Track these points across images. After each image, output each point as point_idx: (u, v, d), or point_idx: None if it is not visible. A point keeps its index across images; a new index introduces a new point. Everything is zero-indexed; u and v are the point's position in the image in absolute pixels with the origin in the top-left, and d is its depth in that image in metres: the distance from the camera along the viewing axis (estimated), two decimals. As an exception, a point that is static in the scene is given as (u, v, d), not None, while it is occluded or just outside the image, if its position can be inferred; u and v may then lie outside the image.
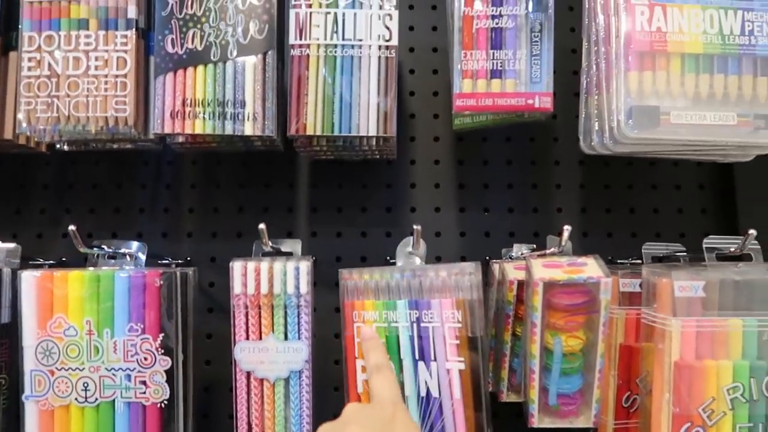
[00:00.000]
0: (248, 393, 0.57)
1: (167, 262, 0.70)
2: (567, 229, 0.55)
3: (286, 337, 0.56)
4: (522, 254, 0.66)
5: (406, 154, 0.78)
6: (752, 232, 0.54)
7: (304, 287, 0.56)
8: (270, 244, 0.57)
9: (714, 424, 0.49)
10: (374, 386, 0.50)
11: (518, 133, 0.78)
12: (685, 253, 0.63)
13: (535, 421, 0.54)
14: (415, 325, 0.55)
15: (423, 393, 0.55)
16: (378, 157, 0.71)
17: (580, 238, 0.78)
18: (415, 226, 0.56)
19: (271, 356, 0.56)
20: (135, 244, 0.63)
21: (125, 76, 0.59)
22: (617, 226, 0.78)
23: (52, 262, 0.69)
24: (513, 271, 0.60)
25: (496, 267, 0.65)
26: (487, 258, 0.70)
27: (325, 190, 0.77)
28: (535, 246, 0.69)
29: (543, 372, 0.53)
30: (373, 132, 0.60)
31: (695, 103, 0.59)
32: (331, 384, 0.72)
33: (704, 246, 0.56)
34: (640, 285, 0.59)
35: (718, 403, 0.49)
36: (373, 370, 0.52)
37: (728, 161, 0.65)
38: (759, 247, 0.58)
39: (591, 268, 0.52)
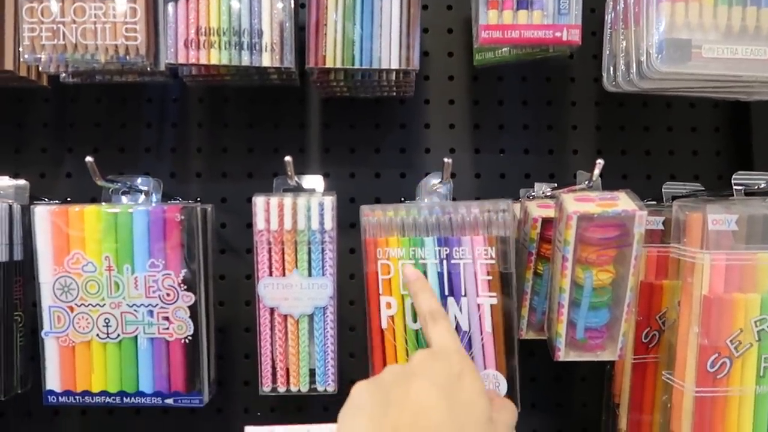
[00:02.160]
0: (272, 330, 0.56)
1: (177, 202, 0.68)
2: (599, 163, 0.54)
3: (310, 274, 0.55)
4: (543, 193, 0.65)
5: (421, 93, 0.76)
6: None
7: (329, 223, 0.55)
8: (295, 178, 0.55)
9: (741, 355, 0.50)
10: (435, 336, 0.47)
11: (534, 73, 0.77)
12: (704, 192, 0.63)
13: (561, 355, 0.55)
14: (444, 261, 0.54)
15: (453, 326, 0.55)
16: (395, 94, 0.69)
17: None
18: (445, 160, 0.55)
19: (295, 292, 0.55)
20: (150, 180, 0.61)
21: (135, 1, 0.56)
22: (632, 167, 0.77)
23: (57, 201, 0.67)
24: (537, 210, 0.60)
25: (517, 206, 0.64)
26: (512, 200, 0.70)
27: (337, 129, 0.75)
28: (556, 185, 0.69)
29: (571, 306, 0.53)
30: (395, 65, 0.58)
31: (726, 36, 0.57)
32: (346, 324, 0.72)
33: (733, 181, 0.55)
34: (663, 223, 0.59)
35: (746, 334, 0.49)
36: (428, 317, 0.48)
37: (753, 99, 0.64)
38: None
39: (624, 201, 0.51)
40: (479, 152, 0.76)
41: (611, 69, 0.63)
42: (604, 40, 0.64)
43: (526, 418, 0.74)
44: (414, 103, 0.76)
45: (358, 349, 0.72)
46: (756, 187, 0.55)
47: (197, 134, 0.74)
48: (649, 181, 0.77)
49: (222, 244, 0.73)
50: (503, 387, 0.54)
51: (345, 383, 0.58)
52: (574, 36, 0.59)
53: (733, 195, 0.56)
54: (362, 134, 0.75)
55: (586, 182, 0.56)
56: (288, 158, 0.53)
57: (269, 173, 0.73)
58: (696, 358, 0.50)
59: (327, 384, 0.57)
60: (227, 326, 0.72)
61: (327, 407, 0.72)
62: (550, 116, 0.77)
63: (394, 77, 0.62)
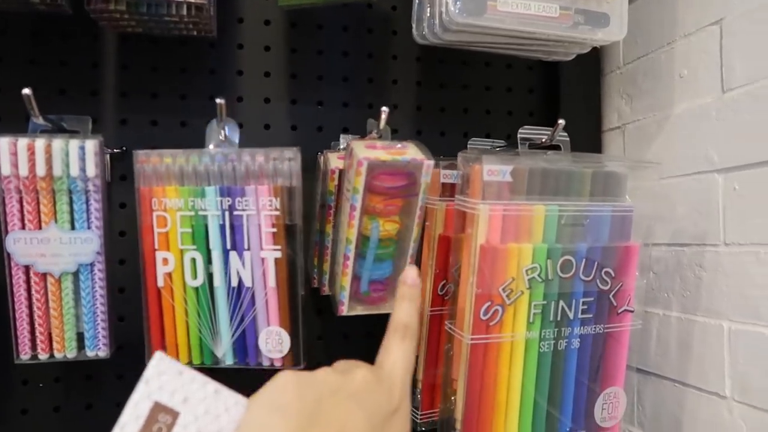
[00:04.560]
0: (28, 291, 0.49)
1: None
2: (384, 110, 0.53)
3: (73, 227, 0.49)
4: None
5: (233, 37, 0.71)
6: (561, 122, 0.55)
7: (92, 170, 0.49)
8: (41, 116, 0.48)
9: (512, 302, 0.51)
10: (393, 355, 0.42)
11: (356, 23, 0.74)
12: (505, 147, 0.64)
13: (345, 309, 0.54)
14: (227, 213, 0.51)
15: (234, 283, 0.52)
16: (195, 33, 0.63)
17: (414, 136, 0.77)
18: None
19: (53, 248, 0.49)
20: None
21: None
22: (450, 125, 0.78)
23: None
24: (335, 161, 0.58)
25: (320, 158, 0.62)
26: (319, 153, 0.67)
27: (137, 71, 0.68)
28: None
29: (357, 259, 0.51)
30: (180, -5, 0.53)
31: (522, -8, 0.58)
32: (116, 286, 0.65)
33: (519, 136, 0.57)
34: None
35: (517, 282, 0.51)
36: (400, 329, 0.43)
37: (552, 59, 0.66)
38: (568, 139, 0.60)
39: (412, 151, 0.51)
40: (296, 103, 0.73)
41: (421, 20, 0.62)
42: (415, -10, 0.63)
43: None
44: (226, 48, 0.70)
45: (129, 313, 0.62)
46: (540, 141, 0.56)
47: (-39, 69, 0.64)
48: (466, 139, 0.78)
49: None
50: (286, 343, 0.52)
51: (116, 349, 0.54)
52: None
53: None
54: (166, 78, 0.68)
55: (374, 131, 0.54)
56: (26, 91, 0.46)
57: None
58: (471, 308, 0.51)
59: (98, 348, 0.52)
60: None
61: (122, 375, 0.66)
62: (371, 69, 0.75)
63: (185, 12, 0.56)
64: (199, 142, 0.68)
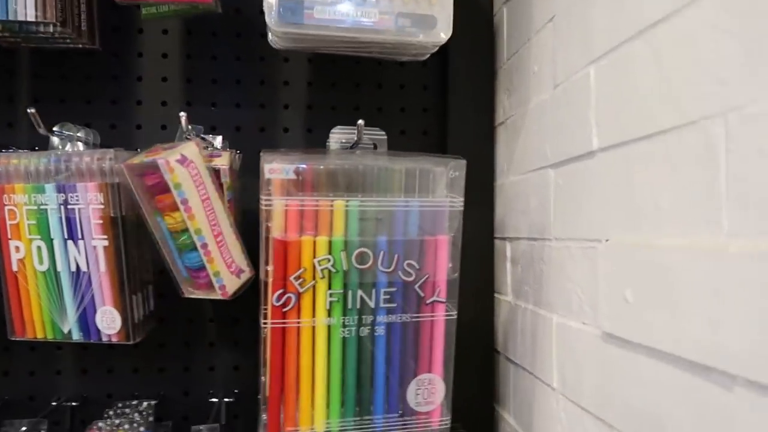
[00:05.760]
0: None
1: None
2: (182, 116, 0.58)
3: (-61, 218, 0.58)
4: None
5: (133, 47, 0.78)
6: (360, 122, 0.59)
7: (-52, 170, 0.57)
8: None
9: (305, 290, 0.55)
10: None
11: (247, 29, 0.80)
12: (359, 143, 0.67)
13: (184, 291, 0.60)
14: (63, 207, 0.58)
15: (74, 268, 0.59)
16: (80, 46, 0.71)
17: (304, 134, 0.82)
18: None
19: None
20: None
21: None
22: (342, 122, 0.82)
23: None
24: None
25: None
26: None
27: (48, 81, 0.77)
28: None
29: (171, 249, 0.58)
30: (31, 17, 0.60)
31: (342, -2, 0.61)
32: None
33: (330, 135, 0.60)
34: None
35: (309, 273, 0.55)
36: None
37: (405, 59, 0.69)
38: (385, 137, 0.63)
39: (173, 152, 0.55)
40: (191, 105, 0.79)
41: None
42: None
43: (154, 359, 0.78)
44: (127, 56, 0.78)
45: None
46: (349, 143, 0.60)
47: None
48: (355, 136, 0.81)
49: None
50: (118, 321, 0.59)
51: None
52: (209, -4, 0.62)
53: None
54: (74, 86, 0.77)
55: (185, 134, 0.60)
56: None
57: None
58: (270, 295, 0.55)
59: (-30, 321, 0.61)
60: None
61: None
62: (262, 71, 0.80)
63: (52, 29, 0.64)
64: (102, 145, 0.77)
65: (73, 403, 0.73)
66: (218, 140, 0.70)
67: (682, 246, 0.39)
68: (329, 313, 0.56)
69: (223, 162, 0.57)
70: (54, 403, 0.73)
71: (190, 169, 0.54)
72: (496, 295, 0.80)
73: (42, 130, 0.60)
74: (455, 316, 0.60)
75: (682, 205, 0.39)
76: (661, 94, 0.42)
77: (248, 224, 0.68)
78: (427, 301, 0.59)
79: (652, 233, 0.43)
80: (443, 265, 0.59)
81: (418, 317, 0.59)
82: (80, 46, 0.71)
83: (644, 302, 0.43)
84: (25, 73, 0.77)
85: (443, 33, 0.61)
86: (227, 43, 0.79)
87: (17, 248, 0.59)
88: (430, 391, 0.60)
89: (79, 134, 0.65)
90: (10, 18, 0.60)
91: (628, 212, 0.46)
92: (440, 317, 0.59)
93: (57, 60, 0.76)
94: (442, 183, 0.59)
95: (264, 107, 0.81)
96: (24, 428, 0.65)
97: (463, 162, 0.59)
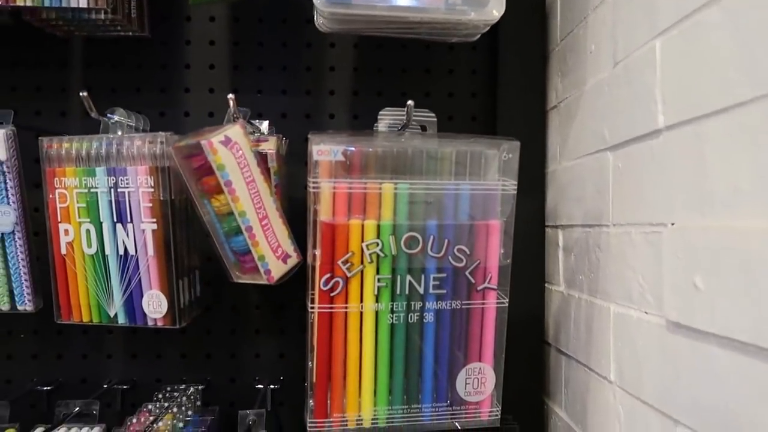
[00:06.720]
0: (-34, 253, 0.61)
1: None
2: (230, 98, 0.57)
3: (-6, 202, 0.60)
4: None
5: (181, 34, 0.78)
6: (410, 103, 0.57)
7: (3, 154, 0.58)
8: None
9: (354, 275, 0.54)
10: None
11: (294, 15, 0.79)
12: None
13: (232, 277, 0.60)
14: (113, 190, 0.59)
15: (122, 251, 0.60)
16: (131, 34, 0.72)
17: (350, 120, 0.81)
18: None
19: (-20, 220, 0.59)
20: None
21: None
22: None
23: None
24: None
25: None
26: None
27: (100, 70, 0.78)
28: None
29: (219, 233, 0.57)
30: (83, 3, 0.61)
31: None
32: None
33: (379, 117, 0.59)
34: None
35: (357, 257, 0.54)
36: None
37: (454, 41, 0.67)
38: (435, 119, 0.61)
39: (217, 133, 0.54)
40: (238, 92, 0.79)
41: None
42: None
43: (202, 345, 0.78)
44: (175, 44, 0.78)
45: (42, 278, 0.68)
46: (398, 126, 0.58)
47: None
48: (402, 122, 0.80)
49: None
50: (164, 305, 0.59)
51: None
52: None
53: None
54: (126, 75, 0.78)
55: (233, 115, 0.59)
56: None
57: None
58: (318, 279, 0.54)
59: (25, 304, 0.62)
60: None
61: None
62: (309, 58, 0.79)
63: (103, 15, 0.65)
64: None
65: (124, 386, 0.74)
66: (265, 125, 0.70)
67: (764, 228, 0.36)
68: (377, 299, 0.55)
69: (270, 146, 0.56)
70: (105, 386, 0.74)
71: (234, 150, 0.54)
72: (546, 285, 0.78)
73: (94, 114, 0.60)
74: (507, 304, 0.58)
75: (764, 184, 0.36)
76: (739, 64, 0.39)
77: (295, 211, 0.68)
78: (478, 288, 0.57)
79: (728, 215, 0.40)
80: (495, 251, 0.56)
81: (468, 304, 0.57)
82: (130, 33, 0.71)
83: (717, 289, 0.40)
84: (78, 63, 0.78)
85: (495, 10, 0.59)
86: (274, 29, 0.79)
87: (66, 231, 0.60)
88: (480, 381, 0.58)
89: (129, 119, 0.66)
90: (63, 5, 0.61)
91: (699, 193, 0.43)
92: (491, 305, 0.57)
93: (108, 49, 0.77)
94: (494, 166, 0.57)
95: (310, 93, 0.80)
96: (77, 409, 0.66)
97: (517, 144, 0.57)
